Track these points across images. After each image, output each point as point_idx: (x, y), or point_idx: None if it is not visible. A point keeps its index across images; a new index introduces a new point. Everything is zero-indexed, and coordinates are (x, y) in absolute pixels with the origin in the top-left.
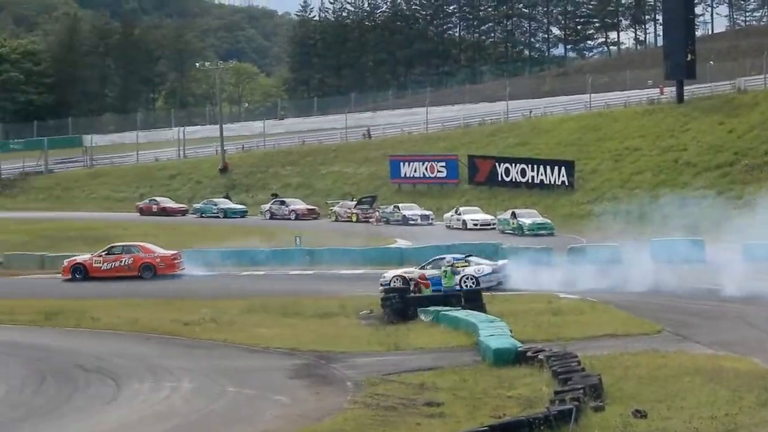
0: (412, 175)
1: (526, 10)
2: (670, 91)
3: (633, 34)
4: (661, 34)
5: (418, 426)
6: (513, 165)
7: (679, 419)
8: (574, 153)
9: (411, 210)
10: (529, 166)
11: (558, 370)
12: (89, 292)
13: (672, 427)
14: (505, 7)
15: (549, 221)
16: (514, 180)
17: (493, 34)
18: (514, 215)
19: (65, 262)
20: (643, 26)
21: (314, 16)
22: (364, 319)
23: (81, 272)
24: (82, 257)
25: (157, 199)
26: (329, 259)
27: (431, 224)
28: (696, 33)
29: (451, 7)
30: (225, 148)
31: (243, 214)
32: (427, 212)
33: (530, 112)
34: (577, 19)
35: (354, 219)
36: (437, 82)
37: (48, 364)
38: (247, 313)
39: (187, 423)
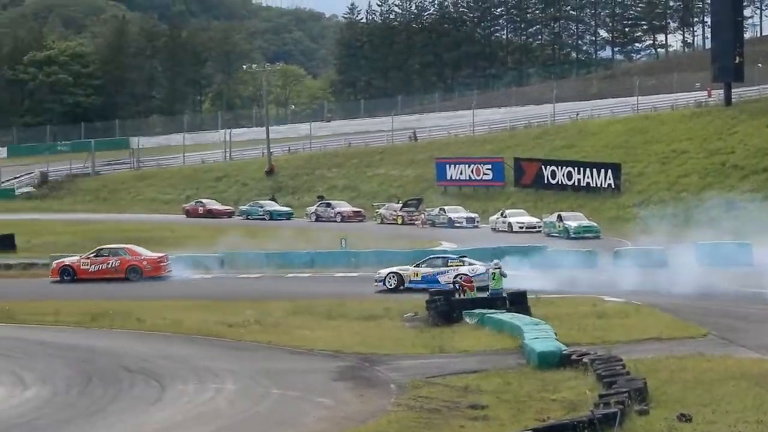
0: (458, 178)
1: (573, 13)
2: (718, 93)
3: (681, 37)
4: (709, 36)
5: (462, 429)
6: (559, 168)
7: (724, 423)
8: (620, 156)
9: (456, 212)
10: (576, 168)
11: (603, 373)
12: (136, 294)
13: (717, 431)
14: (552, 10)
15: (595, 224)
16: (560, 183)
17: (540, 37)
18: (560, 218)
19: (53, 264)
20: (691, 28)
21: (361, 19)
22: (409, 322)
23: (69, 274)
24: (70, 259)
25: (203, 201)
26: (374, 261)
27: (477, 227)
28: (744, 35)
29: (499, 10)
30: (271, 150)
31: (289, 216)
32: (472, 215)
33: (577, 114)
34: (625, 22)
35: (399, 221)
36: (484, 84)
37: (93, 365)
38: (291, 314)
39: (230, 424)
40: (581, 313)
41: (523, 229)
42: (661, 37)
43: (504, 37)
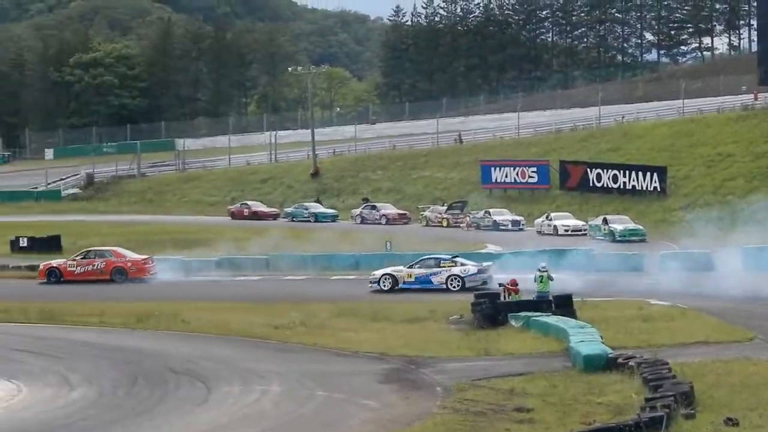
0: (503, 180)
1: (619, 15)
2: (764, 96)
3: (727, 40)
4: (755, 39)
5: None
6: (605, 171)
7: None
8: (666, 159)
9: (502, 215)
10: (621, 171)
11: (649, 377)
12: (181, 295)
13: None
14: (598, 12)
15: (641, 227)
16: (605, 186)
17: (585, 39)
18: (605, 221)
19: (41, 266)
20: (737, 31)
21: (407, 21)
22: (454, 324)
23: (56, 275)
24: (57, 261)
25: (249, 203)
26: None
27: (522, 230)
28: None
29: (544, 12)
30: (316, 152)
31: (334, 218)
32: (518, 217)
33: (622, 117)
34: (671, 24)
35: (445, 224)
36: (529, 87)
37: (139, 366)
38: (336, 317)
39: (276, 426)
40: (627, 316)
41: (569, 232)
42: (707, 40)
43: (549, 39)
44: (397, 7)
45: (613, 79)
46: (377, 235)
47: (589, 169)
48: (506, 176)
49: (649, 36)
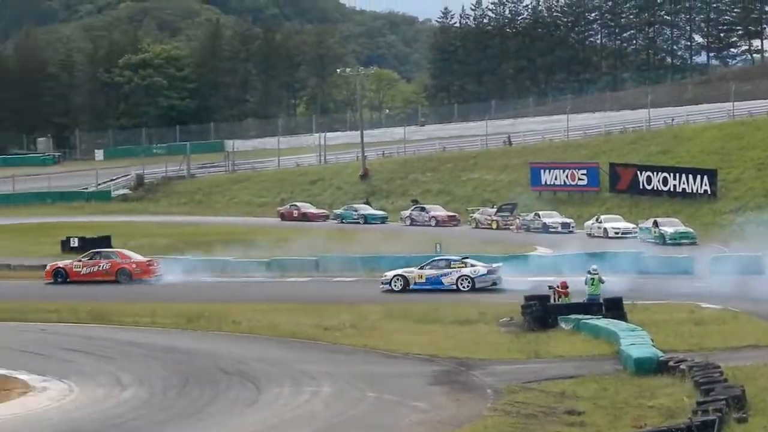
0: (552, 183)
1: (668, 18)
2: None
3: None
4: None
5: None
6: (655, 173)
7: None
8: (716, 162)
9: (551, 218)
10: (671, 174)
11: (700, 380)
12: (231, 296)
13: None
14: (647, 15)
15: (691, 230)
16: (655, 188)
17: (634, 42)
18: (655, 224)
19: (48, 266)
20: None
21: (455, 23)
22: (504, 327)
23: (62, 276)
24: (64, 262)
25: (298, 204)
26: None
27: (572, 232)
28: None
29: (593, 15)
30: (365, 154)
31: (383, 220)
32: (567, 220)
33: (672, 120)
34: (720, 27)
35: (494, 226)
36: (578, 89)
37: (190, 366)
38: (386, 318)
39: (326, 427)
40: (678, 319)
41: (619, 235)
42: (757, 42)
43: (598, 41)
44: (446, 8)
45: (662, 82)
46: (426, 237)
47: (639, 172)
48: (556, 178)
49: (698, 38)
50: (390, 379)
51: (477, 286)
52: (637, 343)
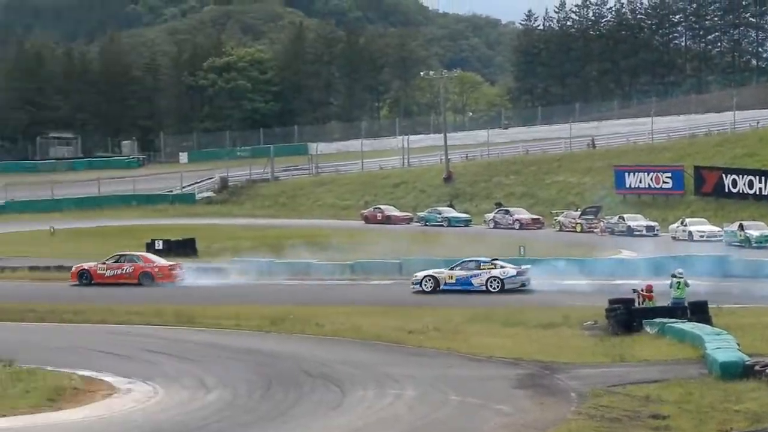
0: (637, 186)
1: (753, 20)
2: None
3: None
4: None
5: None
6: (740, 176)
7: None
8: None
9: (636, 221)
10: (757, 177)
11: None
12: (315, 298)
13: None
14: (731, 17)
15: None
16: (741, 192)
17: (719, 44)
18: (741, 227)
19: (73, 268)
20: None
21: (538, 26)
22: (588, 330)
23: (86, 277)
24: (88, 264)
25: (382, 207)
26: (553, 269)
27: (656, 235)
28: None
29: (677, 17)
30: (449, 157)
31: (467, 222)
32: (652, 223)
33: (758, 122)
34: None
35: (578, 229)
36: (662, 92)
37: (274, 369)
38: (470, 321)
39: (410, 430)
40: (765, 323)
41: (704, 238)
42: None
43: (682, 44)
44: (530, 11)
45: (747, 84)
46: (509, 240)
47: (724, 175)
48: (640, 181)
49: None
50: (473, 382)
51: (506, 287)
52: (722, 347)
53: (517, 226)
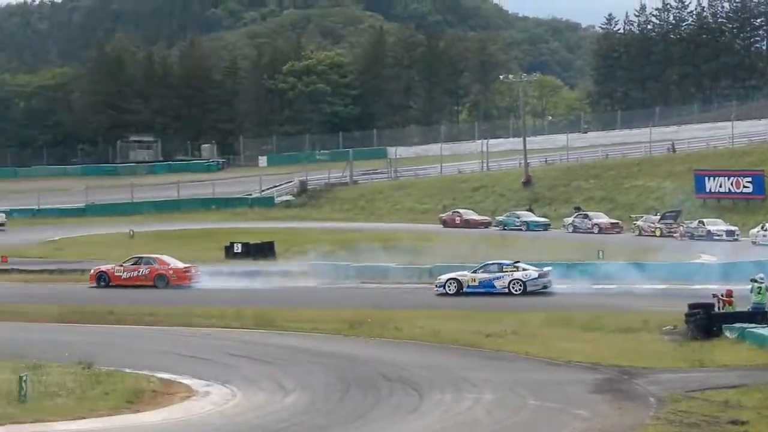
0: (717, 190)
1: None
2: None
3: None
4: None
5: None
6: None
7: None
8: None
9: (716, 225)
10: None
11: None
12: (393, 302)
13: None
14: None
15: None
16: None
17: None
18: None
19: (92, 270)
20: None
21: (619, 29)
22: (668, 335)
23: (104, 280)
24: (106, 266)
25: (460, 211)
26: (631, 274)
27: (736, 240)
28: None
29: (759, 20)
30: (528, 161)
31: (546, 227)
32: (732, 228)
33: None
34: None
35: (658, 233)
36: (743, 95)
37: (352, 372)
38: (547, 326)
39: None
40: None
41: None
42: None
43: (764, 47)
44: (610, 15)
45: None
46: (587, 244)
47: None
48: (720, 186)
49: None
50: (552, 387)
51: (528, 289)
52: None
53: (596, 230)
